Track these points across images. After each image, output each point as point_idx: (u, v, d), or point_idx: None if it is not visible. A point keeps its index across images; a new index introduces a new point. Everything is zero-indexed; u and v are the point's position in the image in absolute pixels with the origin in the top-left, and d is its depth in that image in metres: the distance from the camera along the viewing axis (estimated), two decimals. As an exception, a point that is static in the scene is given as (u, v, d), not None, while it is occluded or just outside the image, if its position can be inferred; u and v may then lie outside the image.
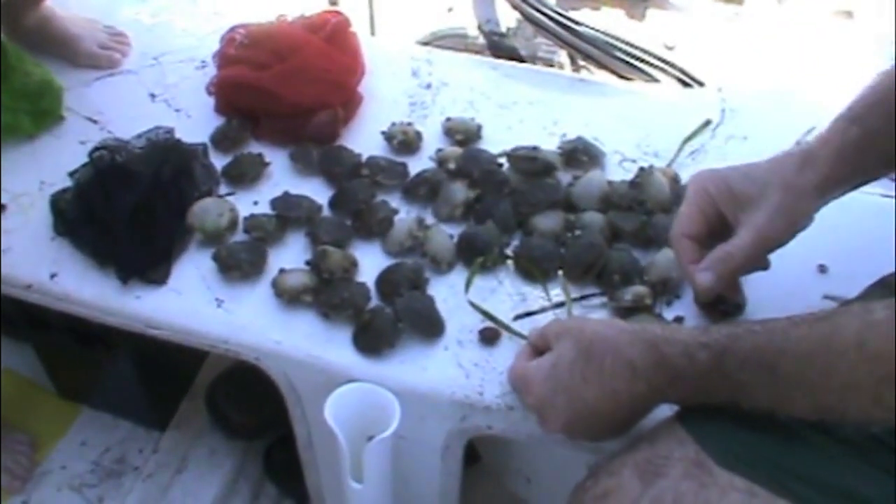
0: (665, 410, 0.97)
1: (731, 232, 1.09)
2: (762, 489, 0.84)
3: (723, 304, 1.15)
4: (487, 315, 1.18)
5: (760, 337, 0.87)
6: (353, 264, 1.23)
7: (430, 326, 1.16)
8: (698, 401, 0.91)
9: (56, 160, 1.40)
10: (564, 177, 1.34)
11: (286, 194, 1.32)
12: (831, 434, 0.87)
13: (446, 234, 1.26)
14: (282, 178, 1.38)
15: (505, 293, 1.21)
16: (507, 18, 2.27)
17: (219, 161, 1.39)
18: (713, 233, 1.10)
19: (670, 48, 2.10)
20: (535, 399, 1.01)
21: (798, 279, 1.21)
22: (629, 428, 0.98)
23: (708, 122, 1.45)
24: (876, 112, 1.04)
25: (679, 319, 1.17)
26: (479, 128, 1.43)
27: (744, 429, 0.89)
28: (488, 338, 1.15)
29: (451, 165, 1.35)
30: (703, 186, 1.09)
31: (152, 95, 1.54)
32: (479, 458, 1.49)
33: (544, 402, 0.99)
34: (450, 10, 2.52)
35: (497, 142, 1.41)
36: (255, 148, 1.42)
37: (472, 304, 1.19)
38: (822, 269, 1.23)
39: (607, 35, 1.88)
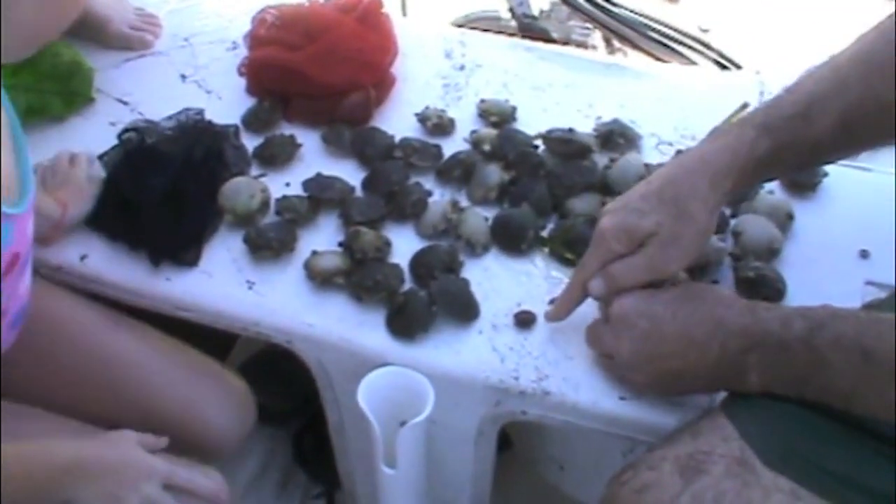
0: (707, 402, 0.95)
1: None
2: (808, 492, 0.82)
3: (764, 287, 1.13)
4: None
5: (862, 321, 0.85)
6: (387, 244, 1.21)
7: (464, 310, 1.14)
8: (768, 376, 0.89)
9: (86, 142, 1.39)
10: (600, 159, 1.32)
11: (318, 175, 1.31)
12: (884, 439, 0.84)
13: (481, 217, 1.24)
14: (314, 159, 1.37)
15: (540, 276, 1.19)
16: (539, 1, 2.25)
17: (250, 142, 1.38)
18: None
19: (705, 31, 2.07)
20: (619, 308, 1.00)
21: (839, 265, 1.20)
22: (684, 388, 0.98)
23: (745, 105, 1.42)
24: (790, 126, 0.99)
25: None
26: (514, 110, 1.41)
27: (792, 427, 0.87)
28: (524, 321, 1.13)
29: (486, 147, 1.33)
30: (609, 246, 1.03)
31: (183, 77, 1.53)
32: (511, 444, 1.48)
33: (628, 315, 0.99)
34: (481, -9, 2.49)
35: (532, 124, 1.39)
36: (286, 129, 1.41)
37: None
38: (864, 254, 1.21)
39: (643, 16, 1.86)
